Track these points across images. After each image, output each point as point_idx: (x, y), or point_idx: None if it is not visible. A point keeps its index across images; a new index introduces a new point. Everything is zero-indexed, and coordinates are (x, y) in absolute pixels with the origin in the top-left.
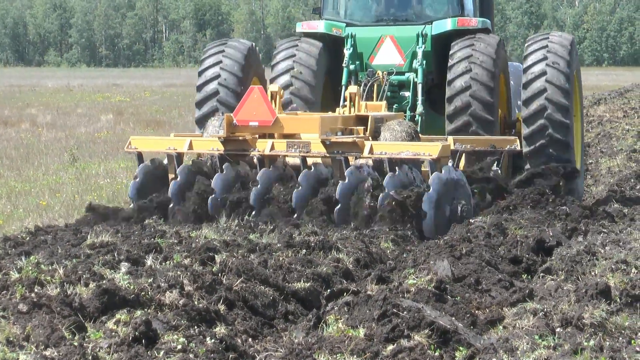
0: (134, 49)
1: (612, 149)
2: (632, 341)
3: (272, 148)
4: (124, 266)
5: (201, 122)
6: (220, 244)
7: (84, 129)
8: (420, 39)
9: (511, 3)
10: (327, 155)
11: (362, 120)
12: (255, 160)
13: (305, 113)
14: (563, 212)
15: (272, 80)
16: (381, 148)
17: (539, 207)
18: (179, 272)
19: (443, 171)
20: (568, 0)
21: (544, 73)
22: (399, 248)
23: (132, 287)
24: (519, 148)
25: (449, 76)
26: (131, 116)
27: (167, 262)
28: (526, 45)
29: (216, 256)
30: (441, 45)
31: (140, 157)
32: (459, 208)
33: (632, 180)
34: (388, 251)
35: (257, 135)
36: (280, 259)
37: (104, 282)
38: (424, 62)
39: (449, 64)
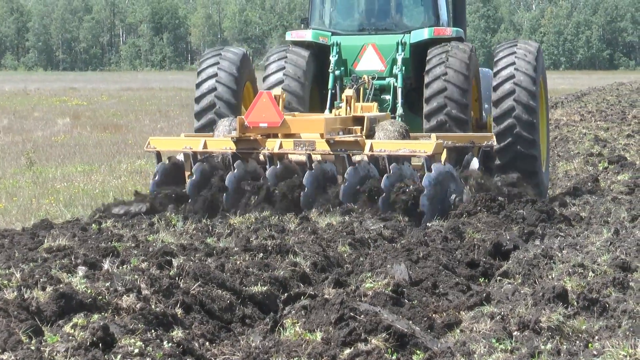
0: (91, 53)
1: (569, 153)
2: (589, 344)
3: (281, 147)
4: (81, 270)
5: (201, 114)
6: (177, 247)
7: (41, 133)
8: (399, 47)
9: (468, 7)
10: (331, 152)
11: (358, 120)
12: (262, 157)
13: (306, 114)
14: (520, 215)
15: (264, 80)
16: (380, 146)
17: (493, 211)
18: (136, 276)
19: (436, 167)
20: (525, 4)
21: (512, 76)
22: (356, 252)
23: (89, 291)
24: (495, 144)
25: (426, 80)
26: (88, 120)
27: (125, 266)
28: (496, 51)
29: (173, 260)
30: (419, 53)
31: (159, 156)
32: (453, 198)
33: (589, 183)
34: (345, 255)
35: (260, 135)
36: (238, 262)
37: (61, 286)
38: (403, 68)
39: (426, 69)
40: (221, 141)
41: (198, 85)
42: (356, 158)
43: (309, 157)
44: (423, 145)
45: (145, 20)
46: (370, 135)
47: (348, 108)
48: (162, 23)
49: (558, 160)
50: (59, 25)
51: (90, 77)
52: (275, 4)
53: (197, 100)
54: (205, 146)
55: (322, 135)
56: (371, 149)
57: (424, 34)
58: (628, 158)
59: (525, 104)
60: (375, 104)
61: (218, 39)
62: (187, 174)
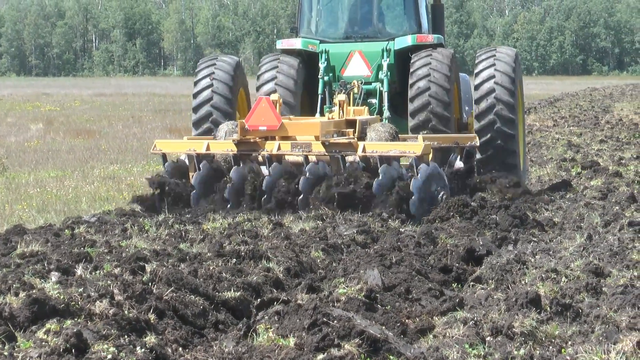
0: (64, 58)
1: (542, 158)
2: (562, 350)
3: (279, 148)
4: (54, 276)
5: (199, 123)
6: (150, 253)
7: (14, 138)
8: (385, 54)
9: None
10: (327, 154)
11: (351, 123)
12: (260, 158)
13: (302, 118)
14: (493, 221)
15: (257, 89)
16: (373, 147)
17: (466, 216)
18: (109, 282)
19: (424, 166)
20: (498, 10)
21: (492, 76)
22: (330, 257)
23: (62, 296)
24: (478, 144)
25: (411, 80)
26: (61, 125)
27: (97, 272)
28: (477, 54)
29: (146, 265)
30: (402, 59)
31: (164, 157)
32: (439, 195)
33: (562, 189)
34: (318, 260)
35: (259, 138)
36: (211, 268)
37: (34, 291)
38: (389, 73)
39: (410, 71)
40: (223, 143)
41: (195, 95)
42: (349, 159)
43: (306, 158)
44: (412, 147)
45: (118, 26)
46: (362, 137)
47: (341, 111)
48: (135, 29)
49: (531, 166)
50: (32, 30)
51: (63, 83)
52: (248, 9)
53: (195, 110)
54: (208, 148)
55: (317, 138)
56: (364, 150)
57: (408, 40)
58: (601, 163)
59: (505, 101)
60: (366, 108)
61: (191, 45)
62: (191, 174)
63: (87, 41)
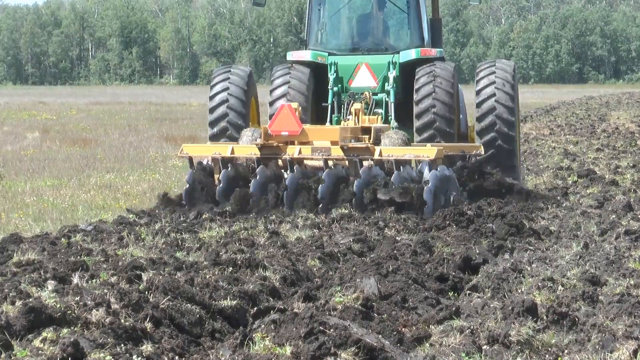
0: (61, 67)
1: (538, 167)
2: (559, 358)
3: (300, 153)
4: (51, 284)
5: (215, 138)
6: (146, 262)
7: (10, 147)
8: (390, 66)
9: None
10: (345, 158)
11: (366, 130)
12: (280, 162)
13: (319, 125)
14: (489, 229)
15: (271, 104)
16: (389, 152)
17: (462, 225)
18: (105, 290)
19: (439, 168)
20: (494, 18)
21: (493, 82)
22: (326, 266)
23: (58, 305)
24: (483, 153)
25: (416, 97)
26: (57, 134)
27: (94, 280)
28: (478, 65)
29: (143, 274)
30: (407, 71)
31: (191, 161)
32: (451, 197)
33: (559, 197)
34: (315, 269)
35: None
36: (207, 276)
37: (31, 300)
38: (395, 84)
39: (415, 87)
40: (247, 147)
41: (211, 110)
42: (365, 163)
43: (325, 161)
44: (426, 151)
45: (114, 35)
46: (377, 143)
47: (356, 119)
48: (131, 37)
49: (527, 174)
50: (28, 39)
51: (59, 91)
52: (245, 18)
53: (211, 124)
54: (232, 152)
55: (335, 143)
56: (380, 154)
57: (412, 54)
58: (597, 172)
59: (505, 104)
60: (379, 116)
61: (187, 53)
62: (216, 176)
63: (83, 50)
